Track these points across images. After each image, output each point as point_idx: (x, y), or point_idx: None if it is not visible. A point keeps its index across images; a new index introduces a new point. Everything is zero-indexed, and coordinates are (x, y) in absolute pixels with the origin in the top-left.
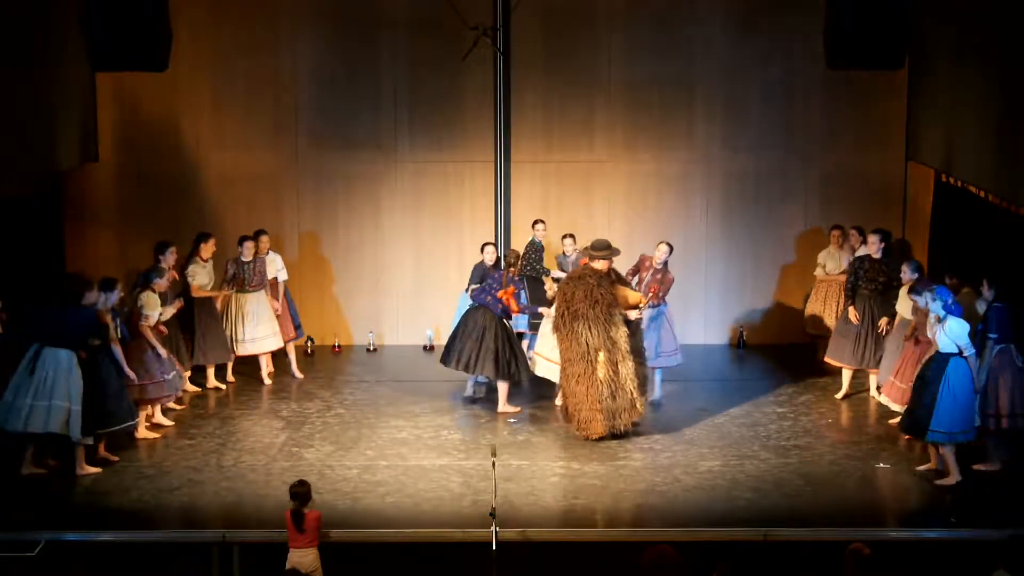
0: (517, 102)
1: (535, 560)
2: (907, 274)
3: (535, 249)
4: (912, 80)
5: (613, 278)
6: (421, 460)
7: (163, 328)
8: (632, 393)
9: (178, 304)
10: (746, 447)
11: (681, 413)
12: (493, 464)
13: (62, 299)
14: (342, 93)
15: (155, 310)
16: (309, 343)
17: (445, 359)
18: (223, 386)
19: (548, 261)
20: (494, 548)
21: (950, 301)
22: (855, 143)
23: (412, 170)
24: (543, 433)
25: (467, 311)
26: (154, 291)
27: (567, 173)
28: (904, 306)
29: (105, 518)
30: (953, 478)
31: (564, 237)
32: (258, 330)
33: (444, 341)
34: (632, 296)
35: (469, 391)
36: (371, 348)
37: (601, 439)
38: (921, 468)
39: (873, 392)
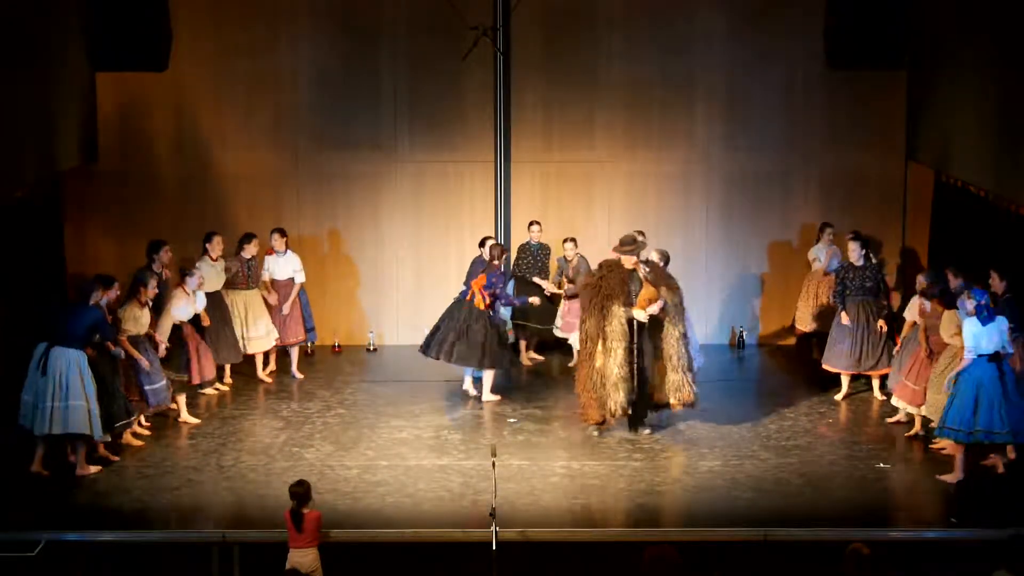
0: (517, 102)
1: (535, 560)
2: (923, 281)
3: (529, 252)
4: (912, 80)
5: (645, 273)
6: (421, 460)
7: (162, 339)
8: (620, 388)
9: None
10: (746, 447)
11: (681, 413)
12: (493, 464)
13: (69, 299)
14: (342, 93)
15: (134, 325)
16: (309, 343)
17: (425, 349)
18: (223, 386)
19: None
20: (494, 548)
21: (984, 302)
22: (855, 143)
23: (412, 170)
24: (543, 433)
25: (452, 303)
26: (141, 302)
27: (567, 173)
28: (912, 311)
29: (105, 518)
30: (956, 476)
31: (566, 241)
32: (258, 329)
33: None
34: (647, 297)
35: (467, 388)
36: (371, 348)
37: (599, 426)
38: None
39: (876, 393)
